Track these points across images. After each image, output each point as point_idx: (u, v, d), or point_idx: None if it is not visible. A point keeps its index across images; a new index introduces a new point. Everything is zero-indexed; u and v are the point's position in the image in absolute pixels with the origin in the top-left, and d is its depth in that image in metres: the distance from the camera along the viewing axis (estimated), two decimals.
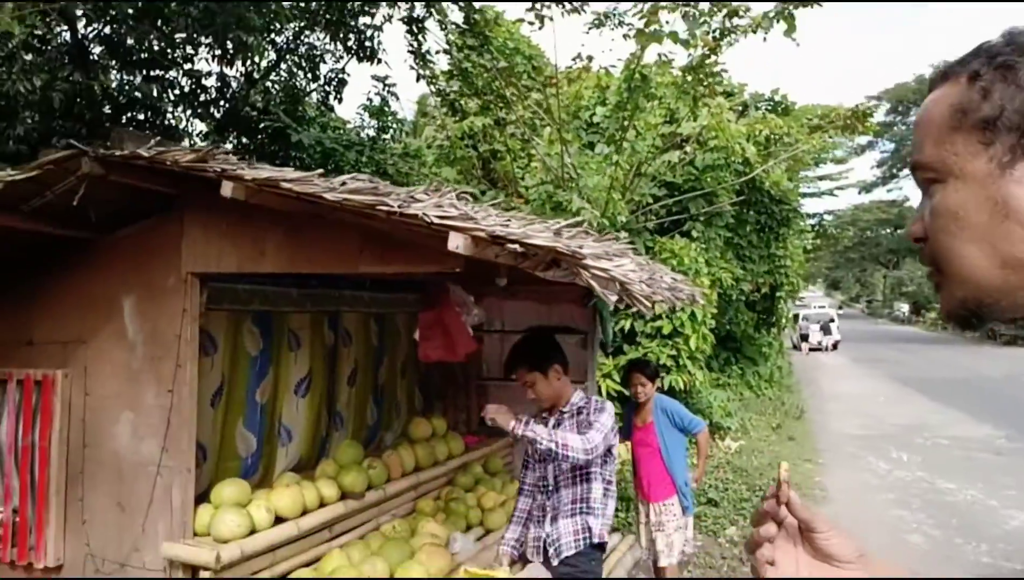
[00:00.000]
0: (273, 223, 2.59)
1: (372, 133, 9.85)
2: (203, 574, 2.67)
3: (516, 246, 1.74)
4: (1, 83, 6.00)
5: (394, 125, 9.88)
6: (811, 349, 27.81)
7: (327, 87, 9.32)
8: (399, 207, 1.86)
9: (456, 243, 1.80)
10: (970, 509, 6.47)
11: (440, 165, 9.74)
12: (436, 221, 1.81)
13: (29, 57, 6.53)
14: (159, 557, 2.76)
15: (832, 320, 28.99)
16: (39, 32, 6.26)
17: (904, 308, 51.24)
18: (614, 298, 1.90)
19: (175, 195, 2.75)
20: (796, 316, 30.54)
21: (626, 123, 7.33)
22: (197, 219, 2.79)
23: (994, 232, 0.66)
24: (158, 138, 2.54)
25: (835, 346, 28.10)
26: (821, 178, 18.70)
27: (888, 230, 42.62)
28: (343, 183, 2.01)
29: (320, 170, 2.38)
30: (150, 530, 2.82)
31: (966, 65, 0.69)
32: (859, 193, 41.03)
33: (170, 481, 2.81)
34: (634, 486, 4.88)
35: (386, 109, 9.74)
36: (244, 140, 9.27)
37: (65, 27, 6.91)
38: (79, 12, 6.81)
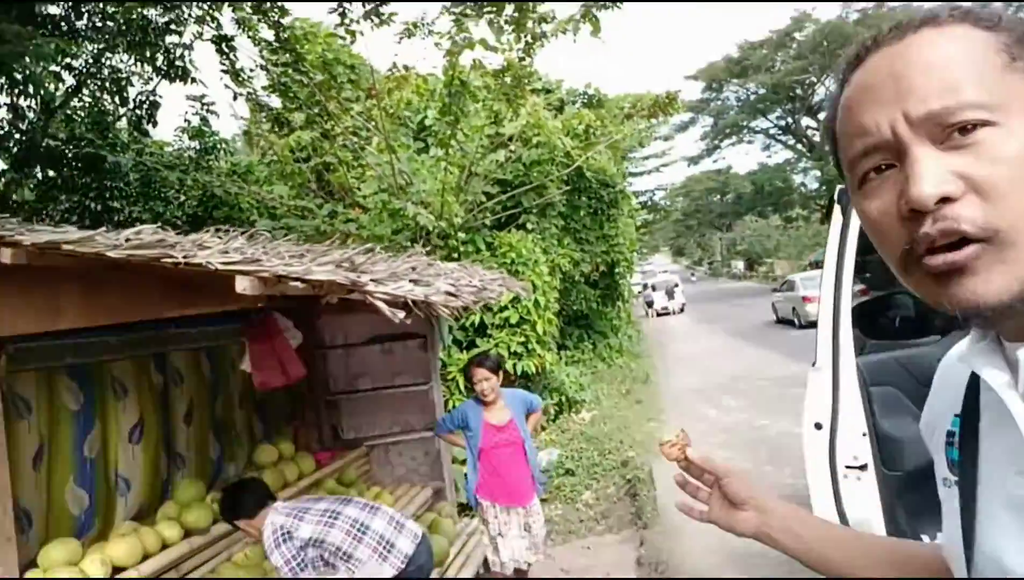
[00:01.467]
0: (68, 278, 2.59)
1: (194, 155, 9.46)
2: None
3: (298, 283, 1.92)
4: None
5: (217, 145, 9.55)
6: (658, 313, 29.94)
7: (138, 110, 8.84)
8: (184, 257, 1.98)
9: (243, 286, 1.95)
10: (779, 440, 7.45)
11: (272, 182, 9.55)
12: (220, 267, 1.95)
13: None
14: None
15: (676, 285, 31.31)
16: None
17: (740, 265, 56.35)
18: (401, 314, 2.13)
19: None
20: (646, 285, 32.70)
21: (453, 128, 7.61)
22: None
23: None
24: None
25: (682, 309, 30.42)
26: (647, 157, 20.14)
27: (717, 197, 46.55)
28: (127, 239, 2.09)
29: (119, 212, 2.41)
30: None
31: (965, 16, 0.62)
32: (688, 166, 44.40)
33: None
34: (485, 494, 4.28)
35: (205, 129, 9.39)
36: (50, 173, 8.61)
37: None
38: None
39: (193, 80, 8.56)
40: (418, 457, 5.30)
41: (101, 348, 3.51)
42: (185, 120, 9.52)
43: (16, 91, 7.35)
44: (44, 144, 8.23)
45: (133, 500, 3.66)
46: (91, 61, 8.55)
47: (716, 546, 4.92)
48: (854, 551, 0.94)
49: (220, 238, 2.26)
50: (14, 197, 8.82)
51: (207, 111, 9.34)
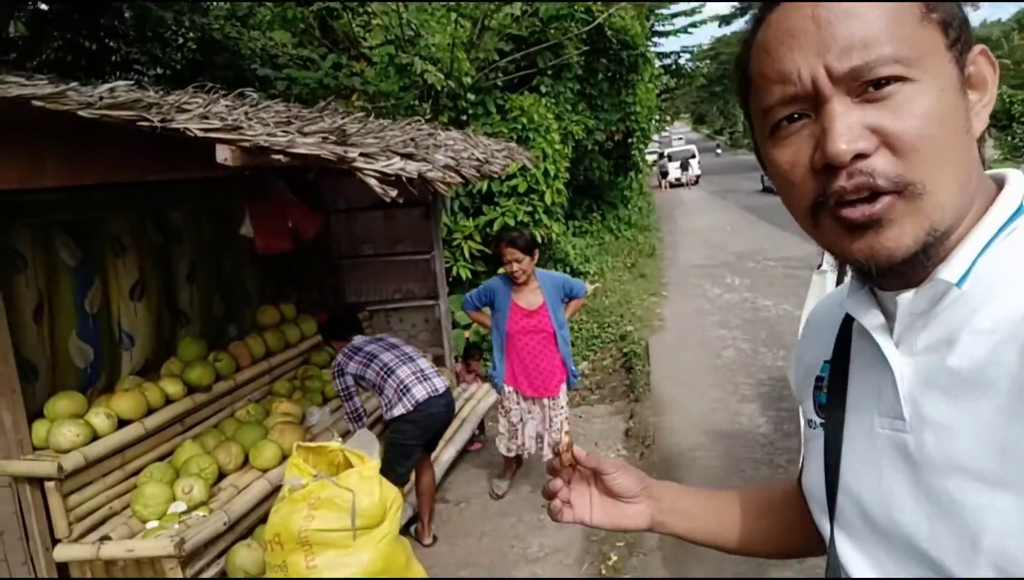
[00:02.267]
0: (51, 137, 2.46)
1: None
2: (48, 484, 2.77)
3: (280, 157, 1.80)
4: None
5: None
6: (671, 185, 29.38)
7: None
8: (161, 122, 1.85)
9: (223, 156, 1.83)
10: (779, 322, 7.51)
11: (273, 28, 9.00)
12: (200, 134, 1.82)
13: None
14: (2, 476, 2.82)
15: (693, 156, 30.49)
16: None
17: None
18: (393, 193, 2.02)
19: None
20: (662, 154, 31.84)
21: None
22: None
23: (964, 146, 0.59)
24: None
25: (696, 181, 29.82)
26: (675, 16, 18.80)
27: None
28: (101, 97, 1.94)
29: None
30: None
31: None
32: (719, 26, 41.65)
33: None
34: (509, 380, 4.09)
35: None
36: (40, 5, 8.13)
37: None
38: None
39: None
40: (418, 323, 5.37)
41: (93, 205, 3.43)
42: None
43: None
44: None
45: (138, 355, 3.74)
46: None
47: (701, 423, 5.09)
48: (725, 513, 0.93)
49: (201, 100, 2.10)
50: (8, 32, 8.39)
51: None
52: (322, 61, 8.15)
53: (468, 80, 7.45)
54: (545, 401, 4.08)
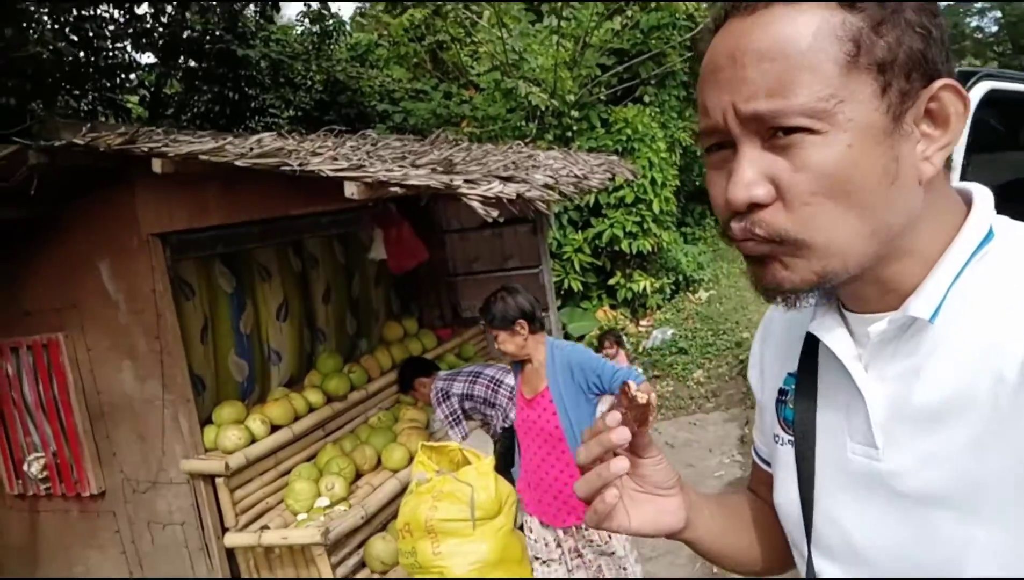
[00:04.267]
0: (210, 181, 2.92)
1: (315, 40, 9.72)
2: (218, 480, 3.23)
3: (397, 189, 2.08)
4: None
5: (336, 28, 9.73)
6: None
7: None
8: (299, 166, 2.19)
9: (351, 191, 2.14)
10: None
11: (389, 64, 9.68)
12: (331, 174, 2.14)
13: None
14: (180, 472, 3.32)
15: None
16: None
17: None
18: (495, 213, 2.25)
19: (122, 169, 3.05)
20: None
21: None
22: (146, 185, 3.10)
23: (879, 198, 0.56)
24: (88, 125, 2.80)
25: None
26: None
27: None
28: (251, 148, 2.32)
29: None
30: (169, 452, 3.37)
31: None
32: None
33: (175, 411, 3.32)
34: (521, 493, 2.84)
35: (324, 13, 9.56)
36: (191, 63, 9.21)
37: None
38: None
39: None
40: None
41: (245, 238, 3.93)
42: (306, 4, 9.72)
43: None
44: (185, 36, 8.74)
45: (284, 370, 4.22)
46: None
47: None
48: (728, 521, 0.83)
49: (331, 143, 2.44)
50: (165, 90, 9.57)
51: None
52: (434, 92, 8.67)
53: (571, 97, 7.68)
54: (559, 531, 2.68)
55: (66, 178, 2.98)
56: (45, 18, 7.87)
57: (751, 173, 0.57)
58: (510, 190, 2.29)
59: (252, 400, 3.88)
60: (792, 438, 0.71)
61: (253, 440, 3.37)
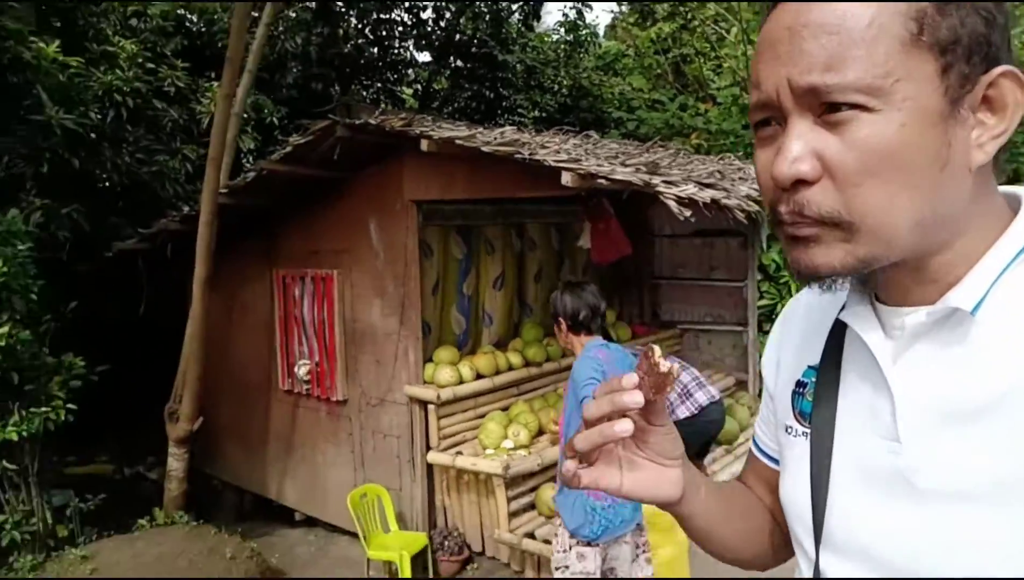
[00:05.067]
0: (461, 162, 3.58)
1: (567, 48, 10.48)
2: (430, 406, 3.94)
3: (603, 181, 2.50)
4: (274, 42, 7.70)
5: (587, 38, 10.40)
6: None
7: (525, 6, 10.13)
8: (529, 154, 2.70)
9: (566, 179, 2.60)
10: None
11: (633, 74, 10.11)
12: (552, 164, 2.62)
13: (294, 15, 8.18)
14: (403, 395, 4.09)
15: None
16: None
17: None
18: (687, 213, 2.57)
19: (397, 146, 3.85)
20: None
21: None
22: (412, 161, 3.88)
23: (929, 182, 0.55)
24: (381, 108, 3.60)
25: None
26: None
27: None
28: (495, 137, 2.89)
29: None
30: (396, 377, 4.16)
31: None
32: None
33: (406, 345, 4.09)
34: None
35: (579, 23, 10.27)
36: (459, 63, 10.45)
37: None
38: None
39: None
40: (725, 348, 5.70)
41: (480, 214, 4.64)
42: (563, 14, 10.54)
43: None
44: (456, 39, 9.98)
45: (494, 331, 4.88)
46: None
47: None
48: (725, 506, 0.82)
49: (558, 140, 2.93)
50: (434, 85, 10.98)
51: (584, 4, 10.20)
52: (670, 103, 8.94)
53: None
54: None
55: (357, 150, 3.84)
56: (352, 20, 9.53)
57: (799, 147, 0.56)
58: (705, 195, 2.58)
59: (465, 351, 4.57)
60: (807, 430, 0.69)
61: (461, 381, 4.03)
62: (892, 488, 0.60)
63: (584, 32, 10.41)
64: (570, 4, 10.23)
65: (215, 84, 6.94)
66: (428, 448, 3.99)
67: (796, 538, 0.71)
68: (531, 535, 3.64)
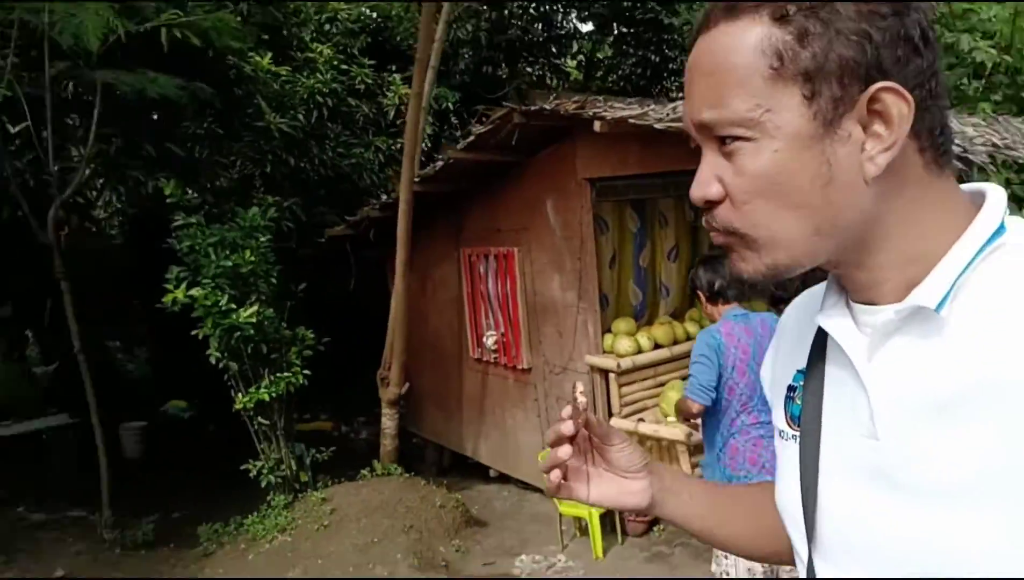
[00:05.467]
0: (633, 139, 3.68)
1: None
2: (611, 375, 4.13)
3: None
4: (448, 33, 8.17)
5: None
6: None
7: None
8: None
9: None
10: None
11: None
12: None
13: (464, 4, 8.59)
14: (584, 364, 4.32)
15: None
16: None
17: None
18: None
19: (570, 127, 4.02)
20: None
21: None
22: (585, 142, 4.04)
23: (814, 198, 0.60)
24: (555, 94, 3.79)
25: None
26: None
27: None
28: (667, 114, 2.96)
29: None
30: (577, 348, 4.39)
31: (770, 4, 0.59)
32: None
33: (585, 318, 4.31)
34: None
35: None
36: (623, 30, 10.34)
37: None
38: None
39: None
40: None
41: (652, 188, 4.69)
42: None
43: None
44: (623, 4, 9.87)
45: (670, 302, 4.95)
46: None
47: None
48: (719, 505, 0.89)
49: None
50: (597, 55, 10.97)
51: None
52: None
53: None
54: None
55: (532, 133, 4.07)
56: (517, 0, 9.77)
57: (705, 174, 0.64)
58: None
59: (642, 322, 4.70)
60: (796, 433, 0.72)
61: (639, 351, 4.17)
62: (875, 485, 0.62)
63: None
64: None
65: (397, 77, 7.58)
66: (610, 415, 4.20)
67: (792, 541, 0.73)
68: None
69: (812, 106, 0.58)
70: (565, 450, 0.76)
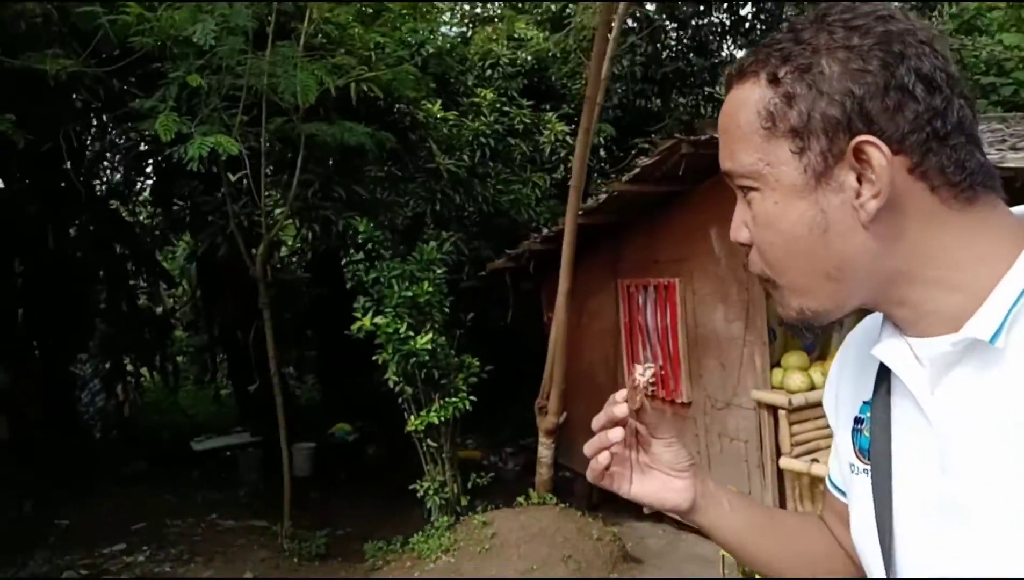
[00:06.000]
0: None
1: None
2: (781, 412, 3.92)
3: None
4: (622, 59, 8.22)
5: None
6: None
7: None
8: None
9: None
10: None
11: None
12: None
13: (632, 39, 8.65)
14: (750, 400, 4.14)
15: None
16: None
17: None
18: None
19: None
20: None
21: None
22: None
23: (815, 245, 0.63)
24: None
25: None
26: None
27: None
28: None
29: None
30: (742, 382, 4.22)
31: (762, 63, 0.64)
32: None
33: (752, 350, 4.14)
34: None
35: None
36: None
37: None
38: None
39: None
40: None
41: None
42: None
43: None
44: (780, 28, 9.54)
45: (842, 335, 4.60)
46: None
47: None
48: (759, 521, 0.86)
49: None
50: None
51: None
52: None
53: None
54: None
55: (699, 163, 4.03)
56: (672, 32, 9.75)
57: (737, 219, 0.70)
58: None
59: (814, 356, 4.42)
60: (867, 467, 0.71)
61: (813, 387, 3.93)
62: (949, 519, 0.61)
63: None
64: None
65: (553, 116, 7.83)
66: (779, 454, 3.97)
67: (869, 574, 0.72)
68: None
69: (803, 160, 0.62)
70: (616, 432, 0.75)
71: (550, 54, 8.77)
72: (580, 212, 4.63)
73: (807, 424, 3.95)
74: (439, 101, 6.63)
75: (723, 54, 10.14)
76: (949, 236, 0.62)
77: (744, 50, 10.00)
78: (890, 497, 0.67)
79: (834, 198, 0.62)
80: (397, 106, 6.36)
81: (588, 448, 0.77)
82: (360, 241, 4.39)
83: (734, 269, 4.21)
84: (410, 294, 4.18)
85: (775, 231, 0.65)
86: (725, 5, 9.53)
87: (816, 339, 0.95)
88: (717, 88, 10.57)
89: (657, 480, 0.81)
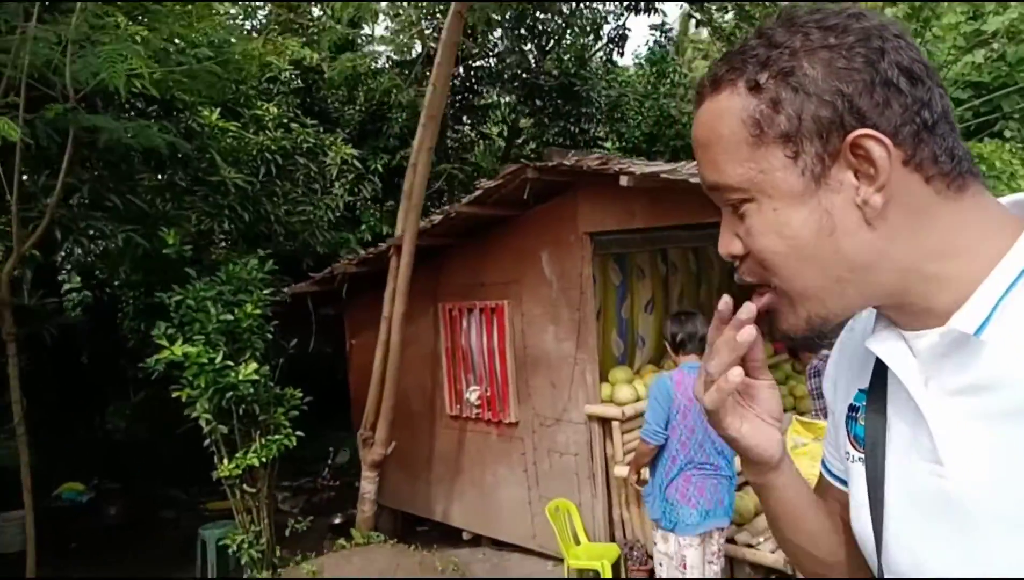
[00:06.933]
0: (640, 194, 3.88)
1: (652, 79, 10.82)
2: (614, 423, 4.18)
3: None
4: (387, 96, 8.19)
5: (672, 70, 10.71)
6: None
7: (610, 44, 10.53)
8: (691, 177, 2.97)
9: None
10: None
11: None
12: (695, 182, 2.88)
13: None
14: (582, 414, 4.35)
15: None
16: None
17: None
18: None
19: (573, 181, 4.18)
20: None
21: (922, 29, 7.28)
22: (587, 196, 4.20)
23: (824, 248, 0.62)
24: (573, 152, 3.94)
25: None
26: None
27: None
28: (684, 167, 3.17)
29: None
30: (573, 398, 4.43)
31: (738, 71, 0.63)
32: None
33: (583, 368, 4.37)
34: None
35: (665, 57, 10.60)
36: (538, 103, 10.88)
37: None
38: None
39: (655, 11, 9.79)
40: None
41: (630, 242, 4.91)
42: (649, 48, 10.91)
43: (522, 39, 9.52)
44: (540, 80, 10.42)
45: (646, 353, 5.12)
46: (575, 5, 10.38)
47: None
48: (823, 512, 0.82)
49: None
50: (520, 124, 11.44)
51: (667, 39, 10.54)
52: None
53: None
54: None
55: (539, 188, 4.19)
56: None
57: (727, 233, 0.68)
58: None
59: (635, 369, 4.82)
60: (862, 455, 0.71)
61: (638, 398, 4.27)
62: (944, 512, 0.61)
63: (669, 63, 10.72)
64: (653, 38, 10.61)
65: (337, 137, 7.56)
66: (607, 464, 4.23)
67: (869, 563, 0.72)
68: None
69: (798, 164, 0.61)
70: (737, 372, 0.68)
71: (327, 76, 8.48)
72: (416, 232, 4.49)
73: (635, 433, 4.27)
74: (217, 109, 5.97)
75: (491, 99, 10.77)
76: (944, 226, 0.62)
77: (506, 96, 10.71)
78: (883, 486, 0.67)
79: (836, 198, 0.61)
80: (175, 110, 5.59)
81: (717, 363, 0.69)
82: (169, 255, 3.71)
83: (565, 291, 4.43)
84: (231, 318, 3.64)
85: (779, 238, 0.62)
86: (493, 52, 10.15)
87: (830, 347, 0.80)
88: (487, 127, 11.15)
89: (758, 425, 0.74)
